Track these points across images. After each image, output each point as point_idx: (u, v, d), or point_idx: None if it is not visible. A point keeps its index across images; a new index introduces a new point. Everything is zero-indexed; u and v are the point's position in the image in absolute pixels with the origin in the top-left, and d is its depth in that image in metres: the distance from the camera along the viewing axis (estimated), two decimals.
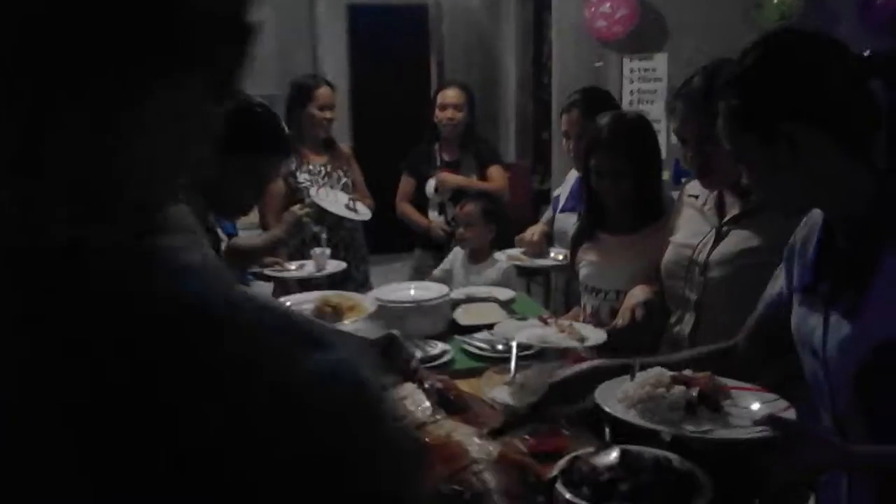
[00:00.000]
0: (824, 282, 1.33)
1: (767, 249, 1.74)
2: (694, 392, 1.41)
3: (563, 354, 2.34)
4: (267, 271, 3.07)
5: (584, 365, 1.74)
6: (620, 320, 2.09)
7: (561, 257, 2.96)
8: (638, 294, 2.09)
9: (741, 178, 1.45)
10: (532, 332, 2.10)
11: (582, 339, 2.04)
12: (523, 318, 2.45)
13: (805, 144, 1.24)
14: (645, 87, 5.20)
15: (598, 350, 2.10)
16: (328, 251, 3.27)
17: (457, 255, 3.44)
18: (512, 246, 3.19)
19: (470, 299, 2.81)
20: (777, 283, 1.53)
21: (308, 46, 6.89)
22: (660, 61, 5.15)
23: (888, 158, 1.25)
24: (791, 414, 1.38)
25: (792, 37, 1.34)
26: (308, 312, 2.39)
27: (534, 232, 3.05)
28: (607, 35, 5.04)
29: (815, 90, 1.25)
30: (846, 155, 1.25)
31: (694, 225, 1.99)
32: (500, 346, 2.29)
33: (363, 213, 3.63)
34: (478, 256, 3.35)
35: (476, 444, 1.26)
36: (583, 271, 2.37)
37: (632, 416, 1.41)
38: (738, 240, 1.85)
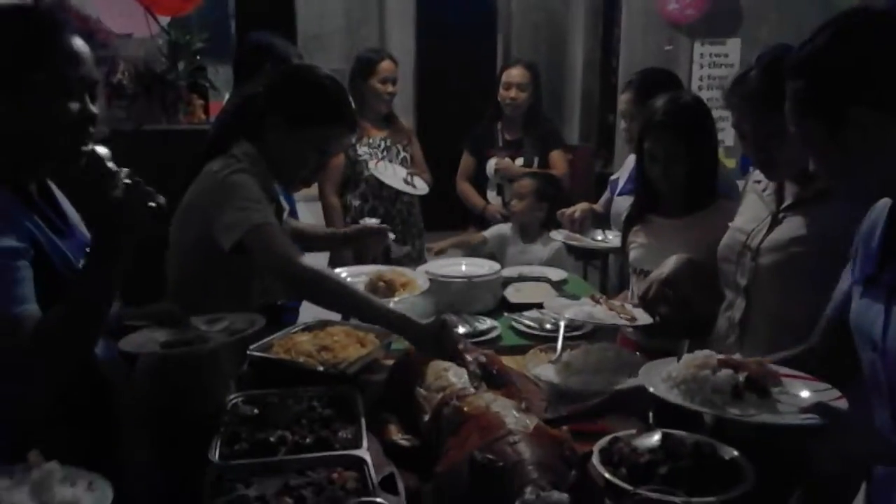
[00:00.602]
0: (888, 272, 1.28)
1: (820, 238, 1.69)
2: (741, 376, 1.38)
3: (612, 337, 2.33)
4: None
5: None
6: (645, 291, 2.04)
7: (615, 239, 2.91)
8: (670, 263, 2.04)
9: (807, 167, 1.40)
10: (580, 309, 2.07)
11: (632, 319, 2.01)
12: (575, 298, 2.43)
13: (874, 129, 1.20)
14: (715, 72, 5.08)
15: (647, 332, 2.08)
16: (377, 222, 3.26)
17: (501, 230, 3.45)
18: None
19: (522, 278, 2.81)
20: (845, 281, 1.48)
21: (375, 22, 6.90)
22: (732, 47, 5.02)
23: None
24: (842, 404, 1.33)
25: (864, 18, 1.27)
26: (361, 286, 2.42)
27: (576, 209, 3.01)
28: (679, 18, 4.93)
29: (887, 74, 1.20)
30: None
31: (752, 210, 1.94)
32: (548, 326, 2.29)
33: (421, 187, 3.65)
34: (528, 234, 3.35)
35: (513, 416, 1.26)
36: (632, 253, 2.34)
37: (674, 396, 1.39)
38: (791, 227, 1.80)
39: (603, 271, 4.73)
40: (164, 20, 3.57)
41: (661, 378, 1.45)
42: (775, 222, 1.84)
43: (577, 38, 6.57)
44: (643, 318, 2.01)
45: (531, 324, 2.34)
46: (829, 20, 1.28)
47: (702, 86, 5.06)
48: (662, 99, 2.22)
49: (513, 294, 2.63)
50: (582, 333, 2.24)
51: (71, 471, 1.16)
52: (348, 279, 2.54)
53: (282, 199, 2.20)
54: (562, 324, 2.07)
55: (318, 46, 6.90)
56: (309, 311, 2.19)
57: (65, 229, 1.51)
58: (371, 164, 3.56)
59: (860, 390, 1.38)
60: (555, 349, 2.00)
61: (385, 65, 3.62)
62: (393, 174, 3.59)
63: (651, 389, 1.41)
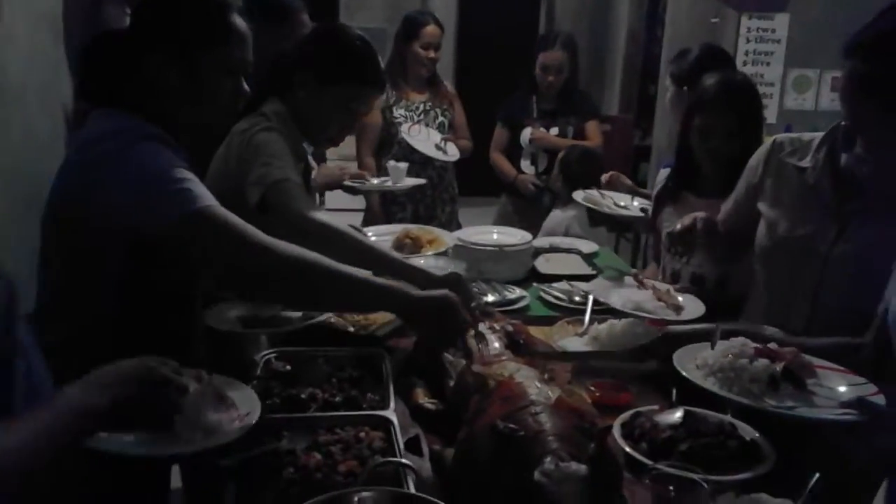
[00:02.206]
0: None
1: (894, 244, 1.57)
2: (778, 367, 1.38)
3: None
4: (347, 182, 3.10)
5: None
6: (680, 225, 2.02)
7: (640, 207, 2.87)
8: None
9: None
10: (627, 296, 2.03)
11: (678, 309, 1.98)
12: (618, 275, 2.43)
13: None
14: (762, 47, 4.98)
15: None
16: (404, 165, 3.30)
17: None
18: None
19: (553, 249, 2.82)
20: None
21: None
22: (780, 22, 4.91)
23: None
24: (880, 399, 1.32)
25: None
26: (388, 243, 2.46)
27: (612, 173, 3.01)
28: None
29: None
30: None
31: (804, 206, 1.79)
32: (577, 298, 2.29)
33: (452, 153, 3.64)
34: (560, 201, 3.44)
35: (536, 387, 1.28)
36: (665, 231, 2.33)
37: (710, 384, 1.39)
38: (865, 234, 1.67)
39: (636, 244, 4.72)
40: None
41: (695, 364, 1.45)
42: (842, 224, 1.71)
43: (622, 7, 6.47)
44: (692, 308, 1.98)
45: (560, 295, 2.35)
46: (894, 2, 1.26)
47: (747, 61, 4.96)
48: (716, 76, 2.19)
49: (543, 265, 2.64)
50: (610, 308, 2.25)
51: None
52: (374, 237, 2.58)
53: (310, 158, 2.22)
54: (590, 298, 2.08)
55: (360, 5, 6.89)
56: None
57: None
58: (404, 128, 3.57)
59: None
60: (582, 322, 2.02)
61: (429, 29, 3.58)
62: (426, 139, 3.59)
63: (686, 375, 1.42)
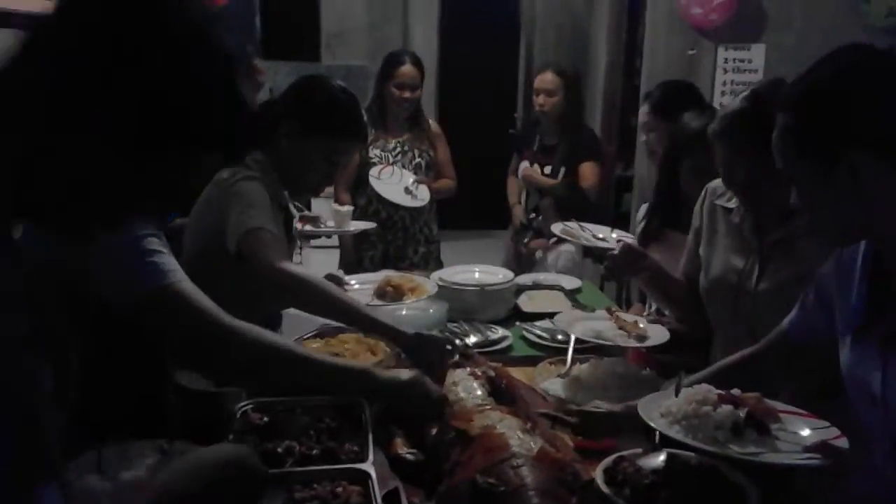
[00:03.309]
0: (880, 323, 1.25)
1: (812, 273, 1.62)
2: (742, 412, 1.37)
3: (624, 351, 2.32)
4: (297, 225, 2.99)
5: None
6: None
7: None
8: None
9: (788, 201, 1.34)
10: (588, 325, 2.06)
11: (642, 338, 2.00)
12: (591, 310, 2.42)
13: (867, 174, 1.15)
14: (739, 78, 5.03)
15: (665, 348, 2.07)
16: (348, 209, 3.14)
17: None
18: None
19: (536, 286, 2.81)
20: (806, 315, 1.49)
21: (399, 20, 6.91)
22: (756, 52, 4.97)
23: None
24: (843, 443, 1.32)
25: (865, 56, 1.22)
26: (370, 291, 2.44)
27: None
28: (703, 22, 4.89)
29: (885, 117, 1.16)
30: None
31: (733, 245, 1.90)
32: (559, 337, 2.28)
33: (422, 197, 3.58)
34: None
35: (518, 438, 1.26)
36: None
37: (675, 433, 1.38)
38: (784, 265, 1.78)
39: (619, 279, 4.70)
40: None
41: (660, 413, 1.44)
42: (764, 260, 1.82)
43: (601, 40, 6.52)
44: (656, 335, 2.00)
45: (542, 334, 2.34)
46: (830, 54, 1.23)
47: (725, 91, 5.01)
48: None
49: (526, 303, 2.63)
50: (593, 346, 2.24)
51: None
52: (356, 286, 2.56)
53: (291, 206, 2.22)
54: (572, 337, 2.07)
55: (340, 43, 6.93)
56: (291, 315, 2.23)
57: None
58: (374, 171, 3.53)
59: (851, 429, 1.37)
60: (565, 362, 2.00)
61: (404, 69, 3.55)
62: (398, 181, 3.54)
63: (652, 425, 1.41)
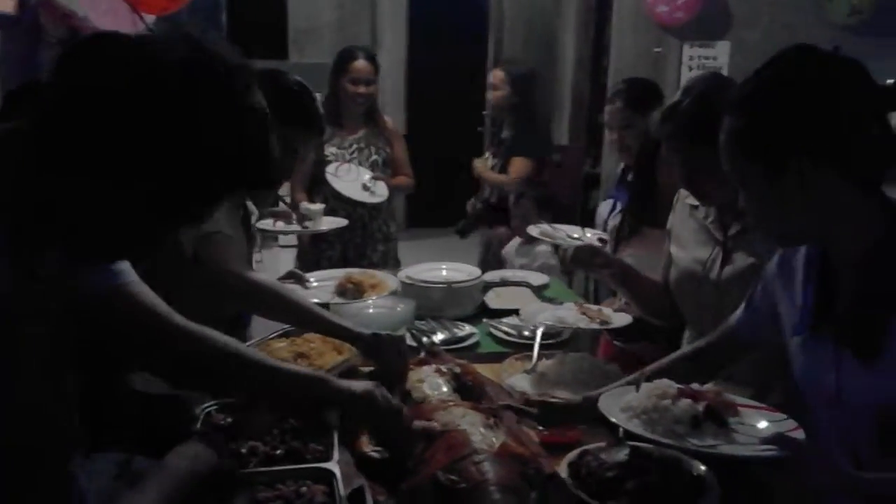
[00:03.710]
0: (829, 324, 1.25)
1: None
2: (700, 406, 1.39)
3: (592, 344, 2.35)
4: (262, 224, 2.83)
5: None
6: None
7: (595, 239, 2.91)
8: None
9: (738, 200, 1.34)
10: (552, 313, 2.09)
11: (605, 322, 2.04)
12: (560, 303, 2.44)
13: (815, 180, 1.15)
14: None
15: (625, 336, 2.12)
16: (319, 207, 3.12)
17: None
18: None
19: (503, 283, 2.82)
20: (753, 314, 1.52)
21: (367, 18, 6.89)
22: (721, 49, 5.03)
23: None
24: (799, 434, 1.34)
25: (812, 61, 1.21)
26: (331, 289, 2.44)
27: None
28: (669, 20, 4.94)
29: (832, 124, 1.15)
30: (858, 191, 1.17)
31: (698, 238, 1.93)
32: (526, 333, 2.29)
33: (381, 194, 3.55)
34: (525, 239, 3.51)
35: (480, 434, 1.27)
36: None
37: (634, 426, 1.40)
38: (745, 255, 1.80)
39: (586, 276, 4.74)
40: (151, 18, 3.55)
41: (620, 408, 1.46)
42: (727, 251, 1.85)
43: (568, 38, 6.57)
44: (618, 319, 2.04)
45: (509, 330, 2.35)
46: (777, 56, 1.22)
47: None
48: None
49: (493, 299, 2.64)
50: (559, 341, 2.26)
51: None
52: (316, 284, 2.56)
53: (249, 203, 2.19)
54: (538, 332, 2.08)
55: (308, 40, 6.90)
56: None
57: None
58: (331, 168, 3.49)
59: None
60: (531, 357, 2.01)
61: (357, 64, 3.51)
62: (355, 178, 3.51)
63: (612, 419, 1.42)
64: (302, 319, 1.89)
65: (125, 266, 1.34)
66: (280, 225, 2.94)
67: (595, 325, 2.05)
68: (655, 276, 2.18)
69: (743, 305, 1.57)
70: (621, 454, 1.52)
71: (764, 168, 1.19)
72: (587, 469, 1.46)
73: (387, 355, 1.78)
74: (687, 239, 1.97)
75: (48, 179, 0.91)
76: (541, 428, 1.67)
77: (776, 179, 1.18)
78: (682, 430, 1.36)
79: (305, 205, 3.12)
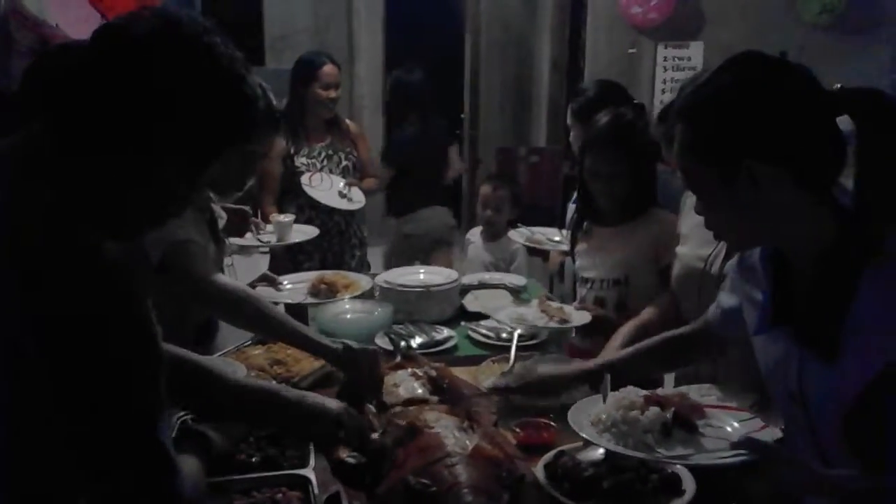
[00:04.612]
0: (788, 323, 1.26)
1: None
2: (669, 414, 1.40)
3: (566, 348, 2.37)
4: (234, 240, 2.71)
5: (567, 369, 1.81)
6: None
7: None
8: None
9: None
10: (514, 311, 2.14)
11: (564, 321, 2.10)
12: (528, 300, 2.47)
13: (767, 183, 1.16)
14: (679, 76, 5.12)
15: (587, 334, 2.20)
16: (289, 219, 3.02)
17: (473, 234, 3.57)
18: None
19: (481, 285, 2.82)
20: (723, 310, 1.54)
21: (343, 22, 6.88)
22: (695, 50, 5.07)
23: (856, 198, 1.16)
24: (767, 433, 1.35)
25: (761, 66, 1.21)
26: (304, 290, 2.45)
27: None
28: (642, 22, 4.98)
29: (783, 127, 1.16)
30: (810, 194, 1.18)
31: (701, 235, 1.95)
32: (503, 335, 2.30)
33: (358, 200, 3.57)
34: (494, 234, 3.46)
35: (454, 437, 1.27)
36: (577, 262, 2.39)
37: (605, 441, 1.41)
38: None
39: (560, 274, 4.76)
40: None
41: (590, 421, 1.46)
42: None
43: (544, 40, 6.60)
44: (578, 318, 2.08)
45: (487, 333, 2.36)
46: (724, 63, 1.23)
47: (665, 88, 5.10)
48: (605, 116, 2.23)
49: (471, 302, 2.64)
50: (536, 343, 2.27)
51: None
52: (289, 285, 2.55)
53: (216, 207, 2.17)
54: (515, 335, 2.09)
55: (286, 45, 6.88)
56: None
57: None
58: (305, 178, 3.47)
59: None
60: (508, 360, 2.02)
61: (327, 69, 3.50)
62: (329, 187, 3.51)
63: (584, 435, 1.43)
64: (275, 331, 1.85)
65: None
66: (249, 237, 2.89)
67: (553, 324, 2.12)
68: (603, 272, 2.27)
69: (716, 301, 1.59)
70: (597, 453, 1.53)
71: (717, 171, 1.20)
72: (563, 469, 1.47)
73: (358, 367, 1.76)
74: (690, 236, 2.01)
75: (80, 163, 0.99)
76: (517, 429, 1.67)
77: (729, 182, 1.18)
78: (653, 440, 1.37)
79: (276, 217, 3.06)
